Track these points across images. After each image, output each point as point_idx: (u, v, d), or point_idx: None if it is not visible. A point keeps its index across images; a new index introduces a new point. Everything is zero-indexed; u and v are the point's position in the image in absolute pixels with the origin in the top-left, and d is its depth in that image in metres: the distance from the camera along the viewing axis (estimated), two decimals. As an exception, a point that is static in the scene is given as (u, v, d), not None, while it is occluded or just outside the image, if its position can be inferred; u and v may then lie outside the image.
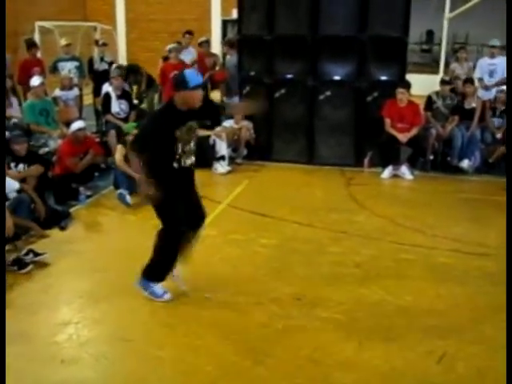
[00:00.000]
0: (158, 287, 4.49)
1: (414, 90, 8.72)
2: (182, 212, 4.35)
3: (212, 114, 5.13)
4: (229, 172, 8.34)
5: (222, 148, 8.45)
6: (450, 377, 3.58)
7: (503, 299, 4.49)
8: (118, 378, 3.63)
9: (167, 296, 4.49)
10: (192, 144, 4.37)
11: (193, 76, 4.23)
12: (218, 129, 8.74)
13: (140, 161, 4.24)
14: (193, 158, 4.40)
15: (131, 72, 10.73)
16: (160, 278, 4.49)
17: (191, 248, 4.63)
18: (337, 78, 8.69)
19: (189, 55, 10.67)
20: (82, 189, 7.06)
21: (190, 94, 4.16)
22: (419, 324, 4.19)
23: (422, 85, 10.01)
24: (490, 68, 9.71)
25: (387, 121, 8.27)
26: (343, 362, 3.71)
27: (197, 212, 4.59)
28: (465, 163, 8.49)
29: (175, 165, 4.26)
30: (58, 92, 9.36)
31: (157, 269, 4.47)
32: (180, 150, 4.24)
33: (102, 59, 11.00)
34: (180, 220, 4.33)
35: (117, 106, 9.05)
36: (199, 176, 8.17)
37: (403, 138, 8.18)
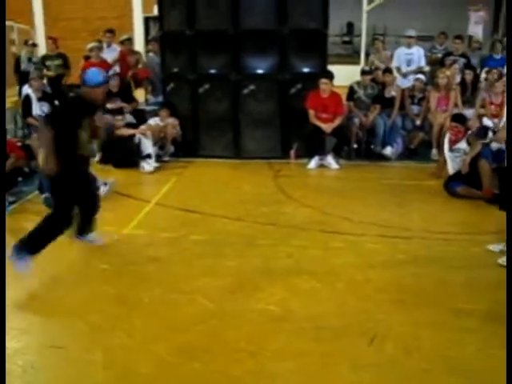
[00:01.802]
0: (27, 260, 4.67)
1: (337, 81, 8.87)
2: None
3: None
4: (156, 170, 8.25)
5: (148, 146, 8.35)
6: (381, 357, 3.67)
7: (428, 280, 4.72)
8: (50, 387, 3.54)
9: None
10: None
11: (94, 75, 4.64)
12: (142, 127, 8.65)
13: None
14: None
15: None
16: (34, 251, 4.70)
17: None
18: (260, 71, 8.73)
19: (112, 53, 10.47)
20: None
21: (91, 91, 4.62)
22: (350, 309, 4.29)
23: (344, 75, 10.19)
24: (407, 57, 10.06)
25: (311, 112, 8.39)
26: (278, 353, 3.74)
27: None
28: (388, 150, 8.75)
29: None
30: (-31, 95, 9.01)
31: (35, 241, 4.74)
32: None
33: (29, 59, 10.67)
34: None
35: (38, 109, 8.81)
36: (126, 175, 8.15)
37: (327, 128, 8.32)
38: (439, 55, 10.40)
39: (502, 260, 4.84)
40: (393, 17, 17.27)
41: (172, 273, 4.95)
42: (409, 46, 10.18)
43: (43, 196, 6.72)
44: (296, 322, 4.13)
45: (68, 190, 4.74)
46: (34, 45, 11.13)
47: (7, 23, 15.73)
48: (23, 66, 10.63)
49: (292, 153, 8.72)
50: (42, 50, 16.88)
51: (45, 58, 10.69)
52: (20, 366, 3.65)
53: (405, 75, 9.91)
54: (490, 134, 8.18)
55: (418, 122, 9.01)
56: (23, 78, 10.43)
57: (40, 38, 17.40)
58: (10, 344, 3.91)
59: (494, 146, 7.35)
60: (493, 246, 5.24)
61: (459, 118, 7.36)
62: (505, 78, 8.51)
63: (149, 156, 8.29)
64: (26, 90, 9.13)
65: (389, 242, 5.57)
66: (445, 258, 5.16)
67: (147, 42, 14.77)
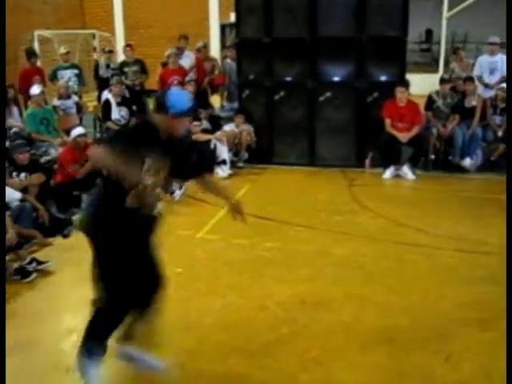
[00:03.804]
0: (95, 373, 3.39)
1: (414, 90, 8.71)
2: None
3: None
4: (230, 176, 8.33)
5: (223, 152, 8.45)
6: (457, 377, 3.56)
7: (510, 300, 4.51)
8: (124, 385, 3.61)
9: None
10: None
11: (180, 99, 3.22)
12: (218, 133, 8.77)
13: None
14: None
15: None
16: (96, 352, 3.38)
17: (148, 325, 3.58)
18: (336, 79, 8.68)
19: (186, 60, 10.66)
20: (83, 196, 7.04)
21: (168, 120, 3.20)
22: (424, 324, 4.18)
23: (422, 84, 9.99)
24: (490, 66, 9.68)
25: (387, 121, 8.26)
26: (349, 364, 3.69)
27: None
28: (466, 162, 8.48)
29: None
30: (55, 101, 9.33)
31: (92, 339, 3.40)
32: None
33: (107, 66, 11.03)
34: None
35: (117, 113, 9.08)
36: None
37: (404, 137, 8.17)
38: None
39: None
40: (474, 23, 16.76)
41: (244, 279, 4.98)
42: (492, 53, 9.81)
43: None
44: (368, 334, 4.05)
45: (121, 268, 3.24)
46: (111, 51, 11.50)
47: (89, 31, 16.37)
48: (101, 72, 10.99)
49: (367, 162, 8.60)
50: (121, 56, 17.51)
51: (123, 64, 11.00)
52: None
53: (487, 85, 9.55)
54: None
55: (500, 133, 8.68)
56: (102, 83, 10.79)
57: (120, 45, 17.97)
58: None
59: None
60: None
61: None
62: None
63: (224, 162, 8.39)
64: (106, 95, 9.44)
65: (466, 257, 5.39)
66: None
67: (223, 48, 14.98)
